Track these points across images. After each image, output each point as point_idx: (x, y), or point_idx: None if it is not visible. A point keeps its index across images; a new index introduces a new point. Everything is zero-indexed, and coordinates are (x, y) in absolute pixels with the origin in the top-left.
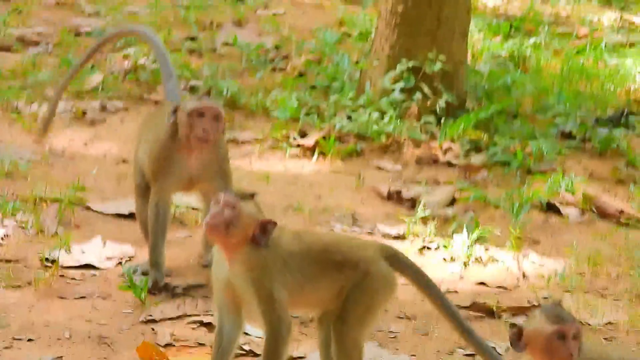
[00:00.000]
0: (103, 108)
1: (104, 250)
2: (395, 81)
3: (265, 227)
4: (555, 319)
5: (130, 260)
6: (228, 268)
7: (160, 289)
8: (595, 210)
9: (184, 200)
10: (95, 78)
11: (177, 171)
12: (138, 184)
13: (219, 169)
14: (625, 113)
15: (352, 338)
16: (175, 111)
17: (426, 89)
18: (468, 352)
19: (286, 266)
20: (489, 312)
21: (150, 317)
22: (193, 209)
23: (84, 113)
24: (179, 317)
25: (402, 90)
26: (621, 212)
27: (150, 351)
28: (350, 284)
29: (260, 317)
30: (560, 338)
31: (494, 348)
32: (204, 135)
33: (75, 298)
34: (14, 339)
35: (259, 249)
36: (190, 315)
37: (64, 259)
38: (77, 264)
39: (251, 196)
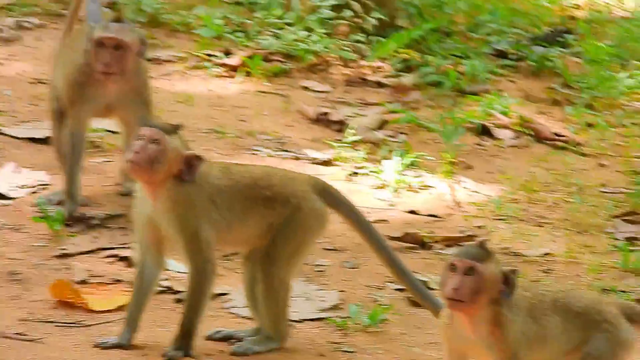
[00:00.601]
0: (18, 25)
1: (17, 178)
2: None
3: (191, 162)
4: (458, 252)
5: (45, 188)
6: (151, 205)
7: (76, 219)
8: (530, 133)
9: (102, 124)
10: None
11: (93, 98)
12: (54, 109)
13: (137, 96)
14: (560, 31)
15: (280, 277)
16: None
17: (356, 6)
18: (398, 287)
19: (213, 203)
20: (421, 243)
21: (64, 251)
22: (111, 132)
23: None
24: (94, 251)
25: (332, 7)
26: (557, 135)
27: (65, 290)
28: (280, 220)
29: (185, 255)
30: (452, 270)
31: (425, 282)
32: (104, 68)
33: None
34: None
35: (185, 185)
36: (106, 249)
37: None
38: None
39: (176, 128)
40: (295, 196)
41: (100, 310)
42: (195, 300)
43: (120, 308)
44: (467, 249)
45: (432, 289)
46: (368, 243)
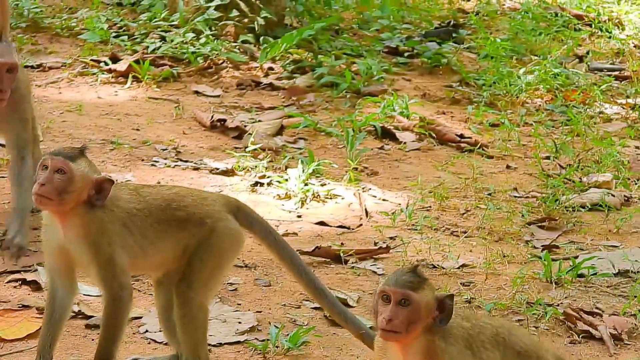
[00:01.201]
0: None
1: None
2: None
3: (101, 186)
4: (389, 280)
5: None
6: (61, 233)
7: None
8: (433, 135)
9: None
10: None
11: None
12: None
13: (15, 112)
14: (452, 25)
15: (198, 301)
16: None
17: (243, 5)
18: (315, 306)
19: (126, 227)
20: (335, 257)
21: None
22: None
23: None
24: None
25: (218, 7)
26: (461, 136)
27: None
28: (194, 241)
29: (100, 282)
30: (385, 300)
31: (344, 300)
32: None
33: None
34: None
35: (95, 210)
36: (10, 272)
37: None
38: None
39: (81, 152)
40: (210, 216)
41: (10, 339)
42: (111, 327)
43: (30, 336)
44: (400, 276)
45: (351, 307)
46: (284, 263)
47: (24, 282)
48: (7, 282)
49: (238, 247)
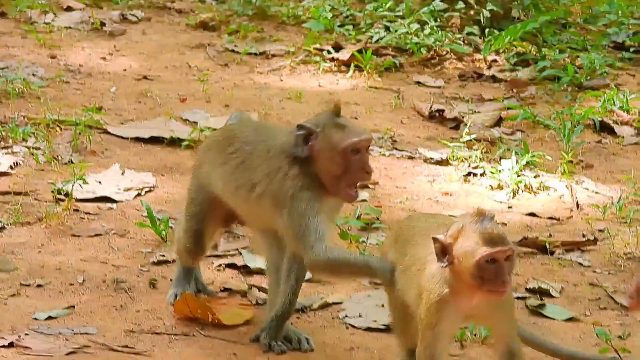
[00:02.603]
0: (123, 18)
1: (122, 180)
2: None
3: None
4: (489, 241)
5: (150, 191)
6: None
7: None
8: None
9: None
10: None
11: None
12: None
13: None
14: None
15: None
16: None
17: None
18: (519, 295)
19: None
20: (541, 248)
21: (164, 257)
22: None
23: (102, 24)
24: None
25: None
26: None
27: (192, 304)
28: None
29: None
30: (492, 262)
31: (548, 290)
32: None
33: (90, 236)
34: (22, 284)
35: None
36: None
37: (79, 191)
38: (93, 197)
39: None
40: None
41: (230, 324)
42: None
43: (247, 322)
44: None
45: (553, 297)
46: None
47: (227, 265)
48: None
49: None
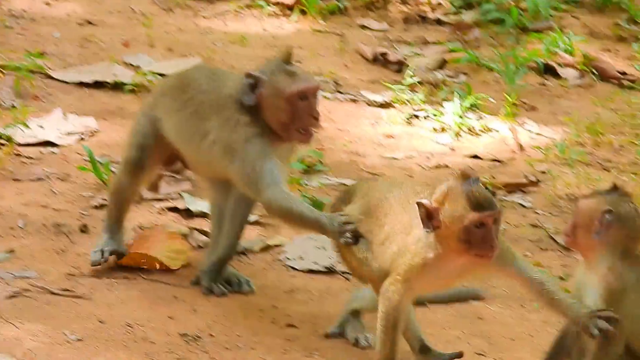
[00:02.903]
0: None
1: (64, 125)
2: None
3: None
4: (477, 205)
5: (93, 135)
6: None
7: None
8: (595, 72)
9: None
10: None
11: None
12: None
13: None
14: None
15: None
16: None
17: None
18: None
19: None
20: None
21: (105, 201)
22: None
23: None
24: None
25: None
26: (623, 73)
27: (138, 258)
28: None
29: None
30: (481, 226)
31: None
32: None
33: (31, 180)
34: None
35: None
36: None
37: (21, 135)
38: (35, 141)
39: None
40: None
41: (175, 267)
42: None
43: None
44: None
45: None
46: None
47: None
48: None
49: None
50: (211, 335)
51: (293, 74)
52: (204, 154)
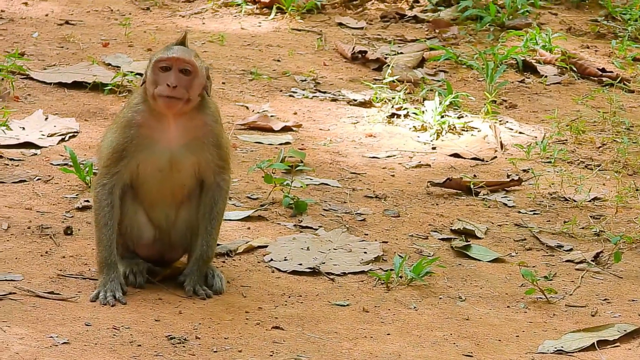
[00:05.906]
0: None
1: (45, 126)
2: None
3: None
4: (166, 49)
5: (74, 136)
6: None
7: None
8: (574, 69)
9: None
10: None
11: None
12: None
13: None
14: None
15: None
16: None
17: None
18: (444, 236)
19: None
20: (466, 189)
21: (88, 203)
22: None
23: None
24: None
25: None
26: (603, 70)
27: None
28: None
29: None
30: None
31: (474, 232)
32: None
33: (14, 182)
34: None
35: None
36: None
37: (2, 137)
38: (16, 143)
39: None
40: None
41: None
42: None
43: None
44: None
45: (478, 238)
46: None
47: None
48: None
49: None
50: (197, 337)
51: (166, 48)
52: None
